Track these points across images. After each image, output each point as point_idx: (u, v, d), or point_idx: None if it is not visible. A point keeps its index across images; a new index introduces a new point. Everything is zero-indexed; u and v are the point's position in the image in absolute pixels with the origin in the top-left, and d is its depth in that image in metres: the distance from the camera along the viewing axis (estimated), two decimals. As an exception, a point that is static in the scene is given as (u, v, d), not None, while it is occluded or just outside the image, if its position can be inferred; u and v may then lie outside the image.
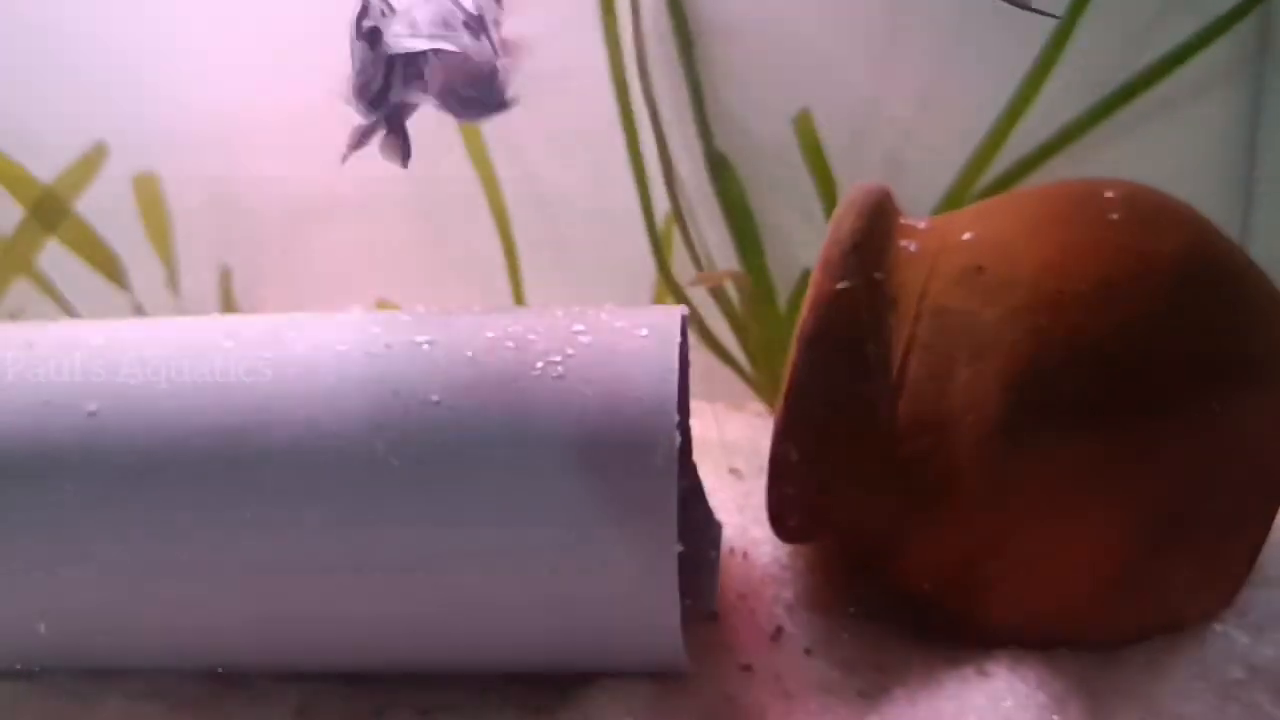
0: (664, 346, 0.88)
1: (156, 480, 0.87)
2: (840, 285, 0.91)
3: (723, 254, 1.44)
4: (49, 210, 1.34)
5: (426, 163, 1.45)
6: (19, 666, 0.94)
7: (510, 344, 0.89)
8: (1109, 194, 0.93)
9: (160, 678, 0.94)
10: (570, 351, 0.88)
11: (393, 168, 1.44)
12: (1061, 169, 1.34)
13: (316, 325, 0.94)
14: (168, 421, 0.87)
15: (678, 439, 0.84)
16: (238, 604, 0.88)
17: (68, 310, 1.40)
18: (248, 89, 1.46)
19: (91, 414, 0.88)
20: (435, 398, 0.86)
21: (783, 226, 1.45)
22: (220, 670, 0.94)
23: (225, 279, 1.48)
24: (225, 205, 1.47)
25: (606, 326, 0.90)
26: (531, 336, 0.89)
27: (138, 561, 0.87)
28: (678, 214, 1.38)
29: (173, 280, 1.43)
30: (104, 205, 1.40)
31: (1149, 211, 0.93)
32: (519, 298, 1.45)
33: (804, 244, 1.42)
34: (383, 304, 1.44)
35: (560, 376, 0.86)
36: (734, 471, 1.23)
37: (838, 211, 0.96)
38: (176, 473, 0.87)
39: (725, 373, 1.44)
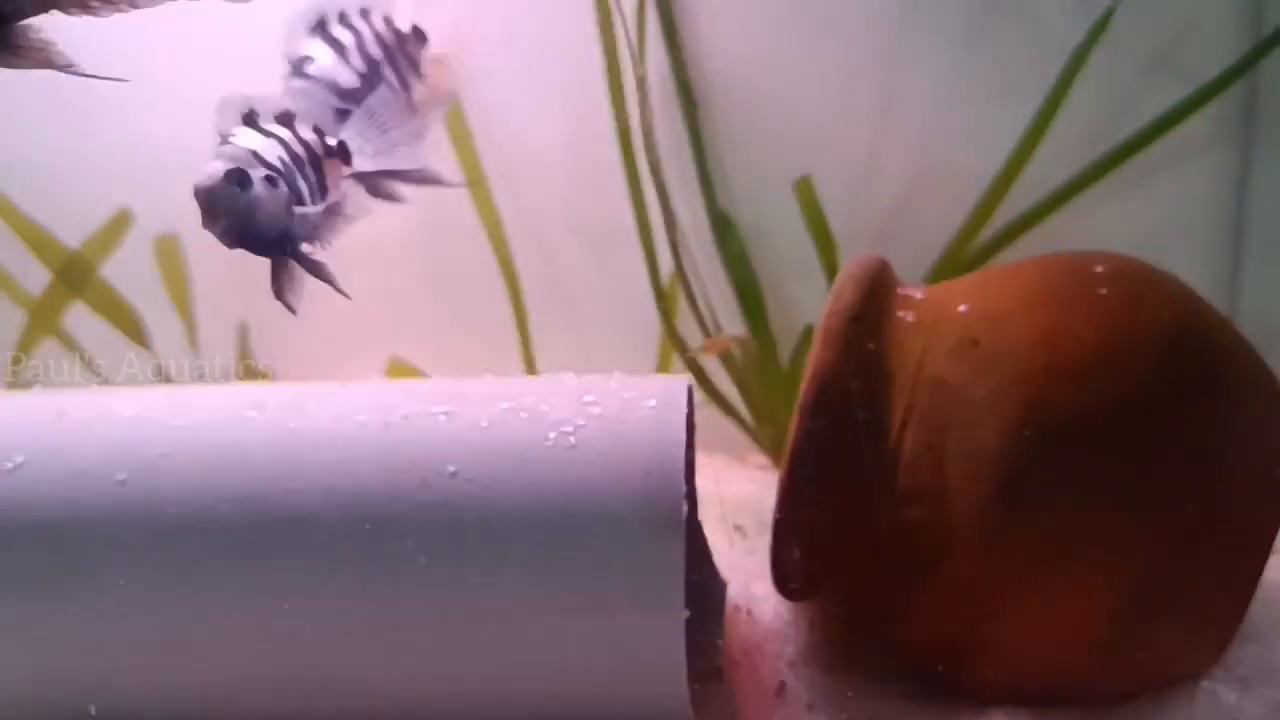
0: (671, 417, 0.91)
1: (184, 547, 0.89)
2: (838, 381, 0.94)
3: (726, 310, 1.47)
4: (75, 273, 1.38)
5: (437, 222, 1.51)
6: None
7: (524, 414, 0.92)
8: (1099, 268, 0.96)
9: (183, 735, 0.96)
10: (581, 422, 0.91)
11: (402, 226, 1.48)
12: (1053, 231, 1.37)
13: (338, 396, 0.97)
14: (195, 489, 0.90)
15: (684, 509, 0.87)
16: (262, 668, 0.91)
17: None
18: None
19: (121, 482, 0.91)
20: (451, 469, 0.89)
21: (784, 284, 1.48)
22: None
23: (243, 334, 1.51)
24: (242, 263, 1.50)
25: (616, 396, 0.93)
26: (544, 407, 0.92)
27: (165, 627, 0.90)
28: (681, 274, 1.41)
29: (192, 337, 1.46)
30: (126, 263, 1.44)
31: (1137, 286, 0.96)
32: (527, 353, 1.48)
33: (805, 301, 1.46)
34: (394, 361, 1.47)
35: (572, 447, 0.89)
36: (737, 528, 1.25)
37: (837, 283, 1.00)
38: (203, 540, 0.89)
39: (728, 425, 1.47)
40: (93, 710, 0.92)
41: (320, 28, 0.85)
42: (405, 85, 0.86)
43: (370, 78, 0.85)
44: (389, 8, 0.88)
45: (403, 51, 0.87)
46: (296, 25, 0.87)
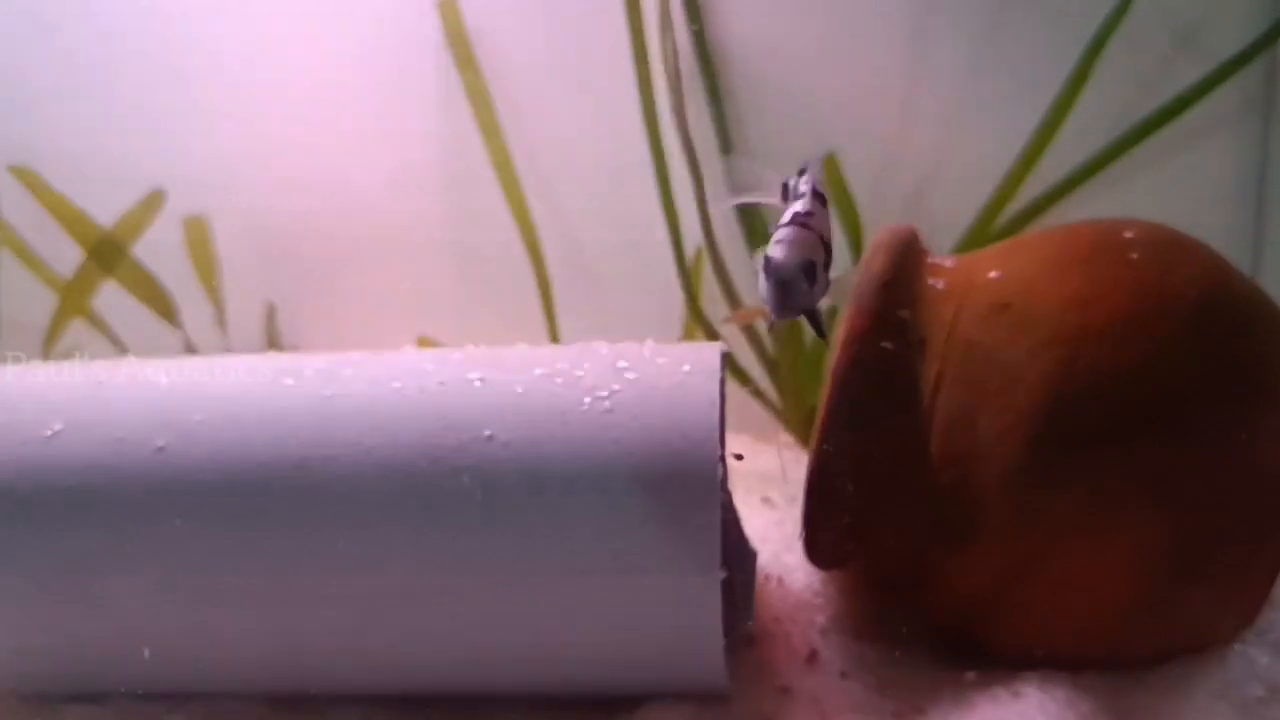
0: (706, 382, 0.92)
1: (222, 511, 0.90)
2: (869, 349, 0.95)
3: (749, 290, 1.47)
4: (107, 253, 1.39)
5: (464, 205, 1.52)
6: (85, 691, 0.98)
7: (559, 380, 0.93)
8: (1128, 234, 0.97)
9: (221, 700, 0.97)
10: (616, 387, 0.92)
11: (428, 209, 1.49)
12: (1076, 208, 1.38)
13: (373, 363, 0.98)
14: (233, 455, 0.91)
15: (721, 470, 0.88)
16: (300, 628, 0.92)
17: (120, 347, 1.45)
18: (292, 134, 1.51)
19: (160, 449, 0.92)
20: (488, 432, 0.90)
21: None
22: (279, 693, 0.98)
23: (270, 316, 1.52)
24: (270, 245, 1.52)
25: (650, 363, 0.94)
26: (579, 373, 0.93)
27: (205, 589, 0.91)
28: (712, 249, 1.42)
29: (220, 318, 1.47)
30: (153, 245, 1.46)
31: (1167, 250, 0.97)
32: (553, 332, 1.49)
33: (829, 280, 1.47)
34: (423, 340, 1.48)
35: (608, 411, 0.90)
36: (766, 501, 1.26)
37: (867, 252, 1.00)
38: (241, 504, 0.91)
39: (754, 406, 1.48)
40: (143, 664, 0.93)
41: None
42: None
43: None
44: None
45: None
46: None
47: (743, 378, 1.46)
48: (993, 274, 0.97)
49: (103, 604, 0.93)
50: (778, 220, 0.88)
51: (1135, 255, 0.95)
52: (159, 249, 1.46)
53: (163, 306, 1.44)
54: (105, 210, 1.44)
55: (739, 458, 0.99)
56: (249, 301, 1.52)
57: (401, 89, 1.50)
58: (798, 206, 0.87)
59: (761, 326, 1.43)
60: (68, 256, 1.47)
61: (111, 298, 1.47)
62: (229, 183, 1.50)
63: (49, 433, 0.94)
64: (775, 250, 0.84)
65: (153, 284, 1.43)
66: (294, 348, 1.50)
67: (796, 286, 0.84)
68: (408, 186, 1.49)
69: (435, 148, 1.52)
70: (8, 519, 0.92)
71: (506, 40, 1.47)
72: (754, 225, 1.45)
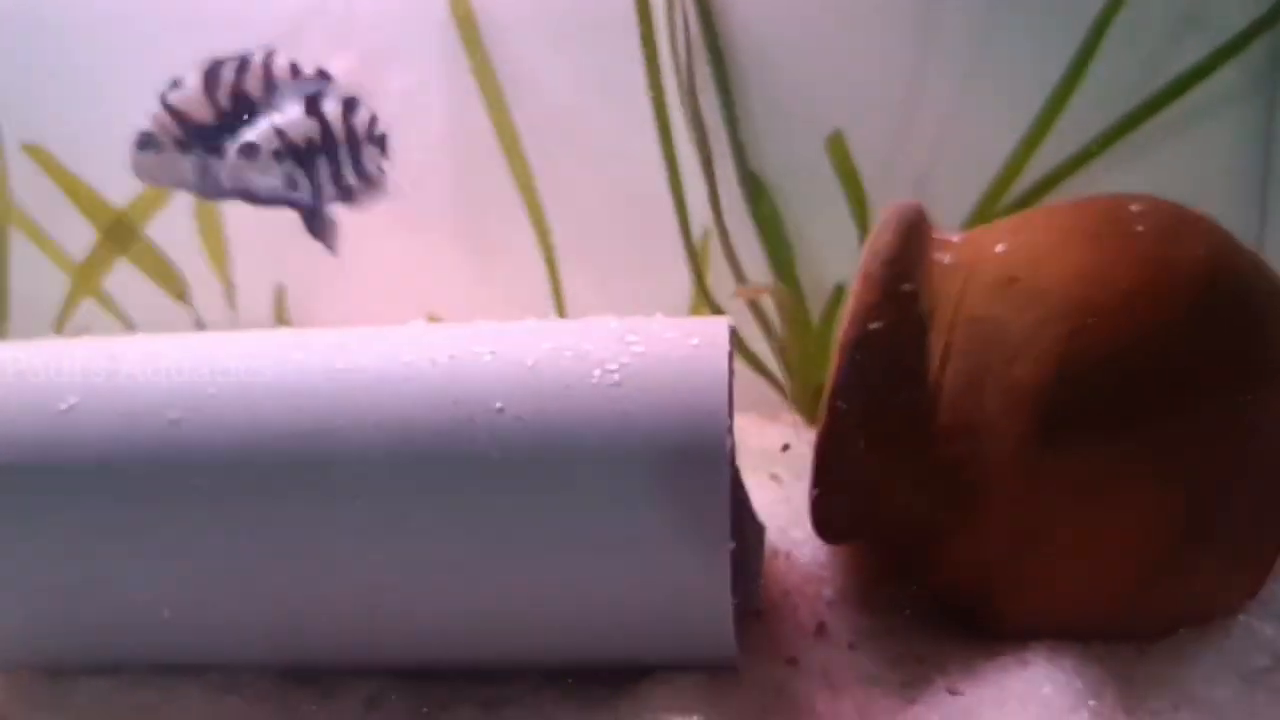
0: (714, 354, 0.92)
1: (235, 483, 0.91)
2: (877, 322, 0.96)
3: (754, 270, 1.48)
4: (120, 233, 1.40)
5: (471, 183, 1.52)
6: (100, 663, 0.99)
7: (568, 353, 0.93)
8: (1135, 207, 0.98)
9: (237, 672, 0.98)
10: (625, 360, 0.92)
11: (436, 189, 1.50)
12: (1083, 185, 1.38)
13: (383, 338, 0.98)
14: (245, 427, 0.92)
15: (730, 442, 0.89)
16: (313, 600, 0.93)
17: (130, 327, 1.46)
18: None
19: (173, 421, 0.93)
20: (498, 405, 0.91)
21: (814, 243, 1.49)
22: (292, 664, 0.99)
23: (280, 296, 1.53)
24: (279, 225, 1.52)
25: (658, 336, 0.95)
26: (588, 346, 0.94)
27: (218, 561, 0.92)
28: (720, 227, 1.42)
29: (230, 298, 1.48)
30: (164, 226, 1.46)
31: (1172, 223, 0.97)
32: (560, 309, 1.51)
33: (835, 260, 1.47)
34: (432, 318, 1.48)
35: (617, 384, 0.91)
36: (773, 477, 1.27)
37: (875, 227, 1.01)
38: (254, 475, 0.91)
39: (760, 384, 1.49)
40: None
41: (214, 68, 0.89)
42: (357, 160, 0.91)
43: (235, 114, 0.88)
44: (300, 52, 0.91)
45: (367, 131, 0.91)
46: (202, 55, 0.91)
47: (750, 357, 1.46)
48: (999, 248, 0.98)
49: (117, 576, 0.93)
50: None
51: (1141, 229, 0.95)
52: (169, 230, 1.46)
53: (174, 287, 1.45)
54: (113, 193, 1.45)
55: (786, 448, 0.99)
56: (258, 282, 1.53)
57: (408, 68, 1.50)
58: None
59: (768, 303, 1.44)
60: (76, 234, 1.48)
61: (122, 277, 1.47)
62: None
63: (64, 406, 0.94)
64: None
65: (165, 264, 1.44)
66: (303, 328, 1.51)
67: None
68: (414, 166, 1.49)
69: (442, 126, 1.52)
70: (23, 492, 0.93)
71: (512, 18, 1.48)
72: (760, 204, 1.46)
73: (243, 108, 0.88)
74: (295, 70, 0.90)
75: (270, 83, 0.90)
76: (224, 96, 0.87)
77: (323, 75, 0.90)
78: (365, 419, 0.92)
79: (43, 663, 1.00)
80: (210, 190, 0.90)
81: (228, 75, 0.89)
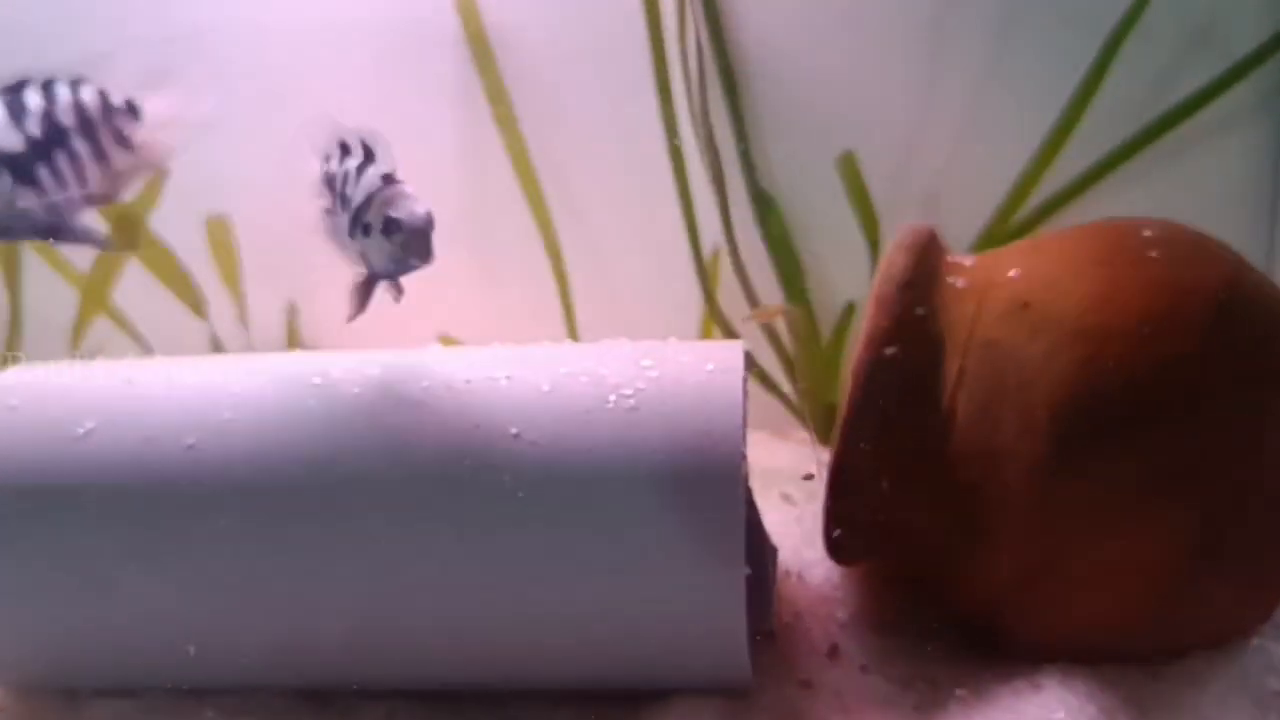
0: (729, 380, 0.93)
1: (251, 508, 0.92)
2: (891, 346, 0.96)
3: (765, 288, 1.49)
4: (125, 229, 1.40)
5: (483, 203, 1.53)
6: (114, 685, 1.00)
7: (584, 378, 0.94)
8: (1147, 232, 0.98)
9: (251, 694, 0.98)
10: (641, 385, 0.93)
11: (447, 209, 1.49)
12: (1093, 206, 1.39)
13: (399, 362, 0.99)
14: (262, 453, 0.93)
15: (745, 467, 0.89)
16: (332, 623, 0.93)
17: (144, 347, 1.46)
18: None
19: (190, 447, 0.94)
20: (514, 430, 0.91)
21: (825, 262, 1.50)
22: (307, 688, 0.99)
23: (291, 315, 1.54)
24: (290, 244, 1.53)
25: (673, 360, 0.95)
26: (603, 371, 0.94)
27: (234, 584, 0.93)
28: (733, 247, 1.43)
29: (243, 317, 1.49)
30: (176, 245, 1.47)
31: (1185, 248, 0.98)
32: (571, 329, 1.51)
33: (845, 279, 1.48)
34: (444, 339, 1.49)
35: (633, 409, 0.91)
36: (785, 497, 1.27)
37: (888, 251, 1.02)
38: (270, 501, 0.92)
39: (771, 402, 1.49)
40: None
41: (13, 90, 0.89)
42: (101, 155, 0.90)
43: (47, 143, 0.88)
44: (107, 83, 0.91)
45: (108, 123, 0.90)
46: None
47: (761, 375, 1.47)
48: (1012, 272, 0.98)
49: (133, 599, 0.94)
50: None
51: (1154, 254, 0.96)
52: (182, 249, 1.47)
53: (188, 295, 1.46)
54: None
55: (809, 478, 1.00)
56: (270, 300, 1.53)
57: (420, 88, 1.51)
58: (384, 168, 0.91)
59: (780, 325, 1.44)
60: (85, 253, 1.48)
61: (135, 297, 1.48)
62: (249, 183, 1.51)
63: (81, 431, 0.95)
64: (399, 207, 0.89)
65: (175, 265, 1.45)
66: (314, 346, 1.51)
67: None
68: (426, 185, 1.50)
69: (454, 146, 1.53)
70: (40, 515, 0.94)
71: (524, 37, 1.48)
72: (771, 223, 1.46)
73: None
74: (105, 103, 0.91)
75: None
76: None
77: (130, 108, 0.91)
78: (381, 444, 0.92)
79: (58, 683, 1.01)
80: None
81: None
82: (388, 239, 0.90)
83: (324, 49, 1.50)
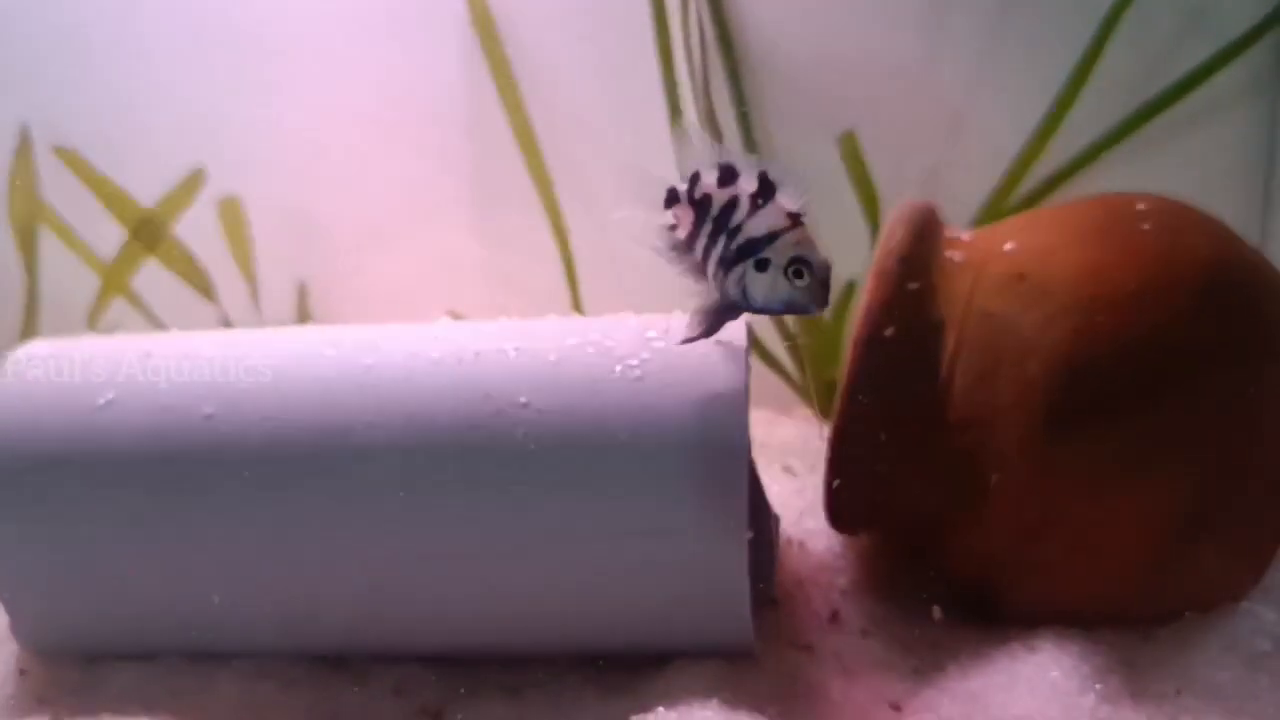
0: (733, 351, 0.95)
1: (268, 476, 0.94)
2: (890, 318, 0.98)
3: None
4: (148, 232, 1.42)
5: (490, 184, 1.54)
6: (135, 651, 1.02)
7: (591, 349, 0.96)
8: (1140, 206, 1.00)
9: (268, 660, 1.00)
10: (646, 356, 0.95)
11: (454, 188, 1.52)
12: (1089, 185, 1.40)
13: (410, 335, 1.01)
14: (278, 422, 0.95)
15: (748, 435, 0.91)
16: (341, 591, 0.96)
17: (157, 325, 1.49)
18: (322, 118, 1.54)
19: (208, 417, 0.96)
20: (523, 399, 0.93)
21: (824, 240, 1.50)
22: (321, 652, 1.01)
23: (302, 295, 1.56)
24: (301, 225, 1.55)
25: (678, 333, 0.97)
26: (610, 342, 0.96)
27: (251, 552, 0.95)
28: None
29: (254, 296, 1.51)
30: (188, 225, 1.49)
31: (1177, 222, 0.99)
32: (578, 308, 1.52)
33: (846, 257, 1.49)
34: (453, 315, 1.51)
35: (639, 379, 0.94)
36: (787, 469, 1.29)
37: (888, 225, 1.03)
38: (286, 469, 0.94)
39: (773, 379, 1.51)
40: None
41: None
42: None
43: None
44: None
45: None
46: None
47: (762, 351, 1.48)
48: (1009, 246, 1.00)
49: (152, 566, 0.96)
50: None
51: (1147, 227, 0.98)
52: (194, 229, 1.49)
53: (201, 284, 1.48)
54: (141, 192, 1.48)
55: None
56: (281, 280, 1.55)
57: (428, 69, 1.53)
58: (790, 206, 0.88)
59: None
60: (103, 235, 1.51)
61: (148, 278, 1.50)
62: (261, 164, 1.53)
63: (101, 402, 0.97)
64: (812, 252, 0.88)
65: (192, 263, 1.47)
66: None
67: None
68: (434, 165, 1.52)
69: (461, 126, 1.54)
70: (61, 485, 0.96)
71: (531, 19, 1.50)
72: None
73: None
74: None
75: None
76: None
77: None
78: (394, 413, 0.94)
79: (79, 649, 1.03)
80: None
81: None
82: (791, 279, 0.88)
83: (335, 33, 1.52)
